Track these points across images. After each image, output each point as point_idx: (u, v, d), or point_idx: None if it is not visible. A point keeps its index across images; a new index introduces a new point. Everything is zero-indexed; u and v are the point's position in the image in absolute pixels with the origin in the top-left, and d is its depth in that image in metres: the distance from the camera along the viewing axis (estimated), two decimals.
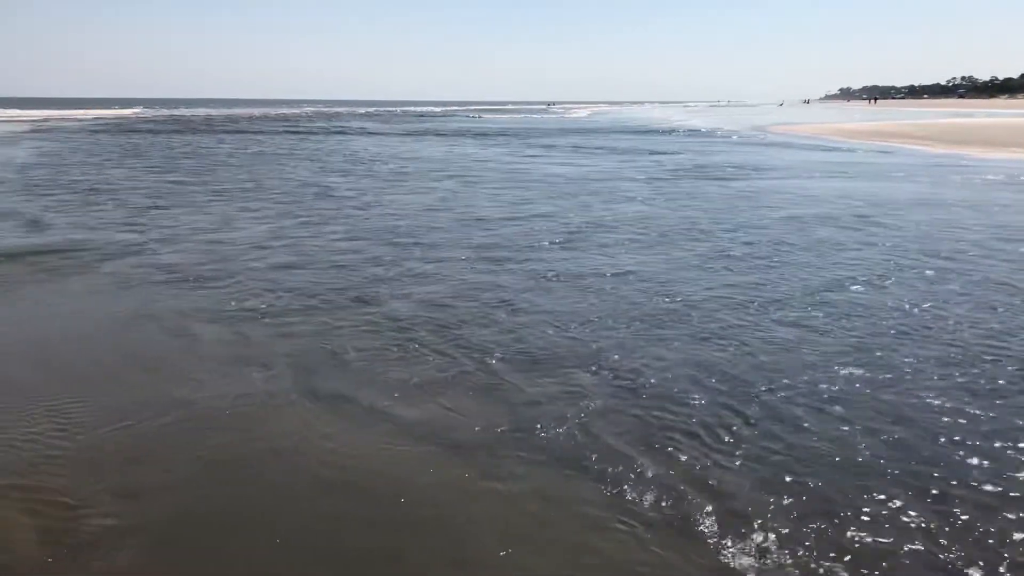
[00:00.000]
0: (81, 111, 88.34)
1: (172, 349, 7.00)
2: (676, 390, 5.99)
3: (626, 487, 4.63)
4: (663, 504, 4.44)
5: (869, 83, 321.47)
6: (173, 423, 5.48)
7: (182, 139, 39.06)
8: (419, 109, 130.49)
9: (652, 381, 6.17)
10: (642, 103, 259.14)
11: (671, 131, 50.86)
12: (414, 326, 7.61)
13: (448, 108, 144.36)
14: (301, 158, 28.00)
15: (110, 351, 6.99)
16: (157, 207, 15.37)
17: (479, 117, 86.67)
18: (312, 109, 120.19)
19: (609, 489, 4.61)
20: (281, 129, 51.12)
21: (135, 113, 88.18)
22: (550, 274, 9.76)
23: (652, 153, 30.54)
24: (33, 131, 45.36)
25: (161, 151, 30.97)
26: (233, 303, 8.44)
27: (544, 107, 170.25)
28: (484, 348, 6.95)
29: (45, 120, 63.14)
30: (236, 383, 6.15)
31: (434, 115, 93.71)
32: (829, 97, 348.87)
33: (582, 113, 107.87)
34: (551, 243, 11.84)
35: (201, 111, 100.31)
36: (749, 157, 28.41)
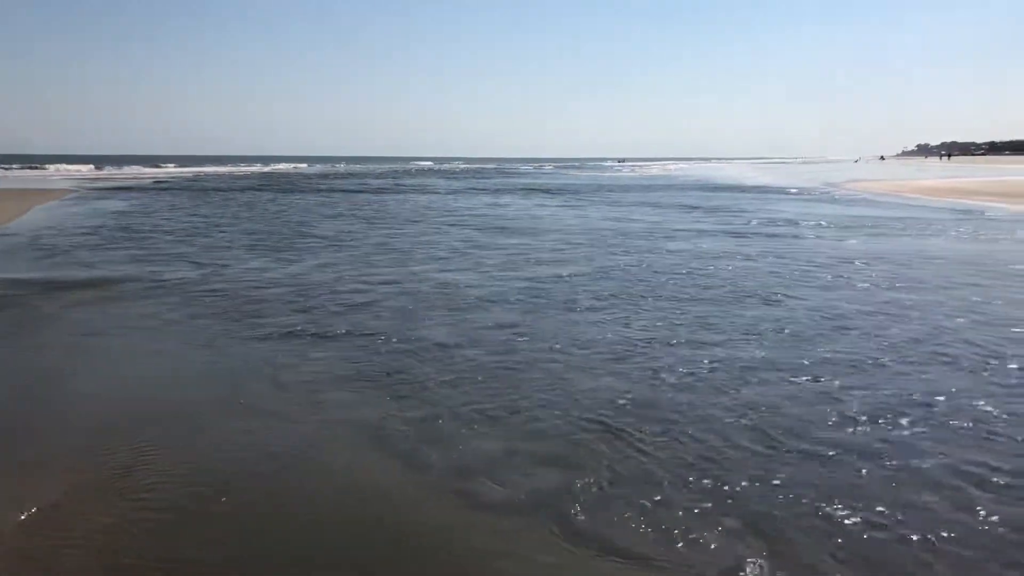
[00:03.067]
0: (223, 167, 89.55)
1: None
2: None
3: None
4: None
5: (948, 139, 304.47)
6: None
7: (263, 195, 37.53)
8: (499, 166, 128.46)
9: None
10: (711, 160, 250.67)
11: (736, 188, 46.42)
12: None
13: (529, 164, 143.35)
14: (333, 208, 29.13)
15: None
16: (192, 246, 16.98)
17: (566, 174, 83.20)
18: (395, 166, 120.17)
19: None
20: (350, 187, 49.31)
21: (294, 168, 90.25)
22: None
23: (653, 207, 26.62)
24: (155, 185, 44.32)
25: (228, 206, 29.80)
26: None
27: (616, 163, 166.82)
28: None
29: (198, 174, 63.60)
30: None
31: (513, 171, 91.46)
32: (906, 153, 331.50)
33: (653, 170, 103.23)
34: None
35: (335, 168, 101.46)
36: (822, 211, 24.20)
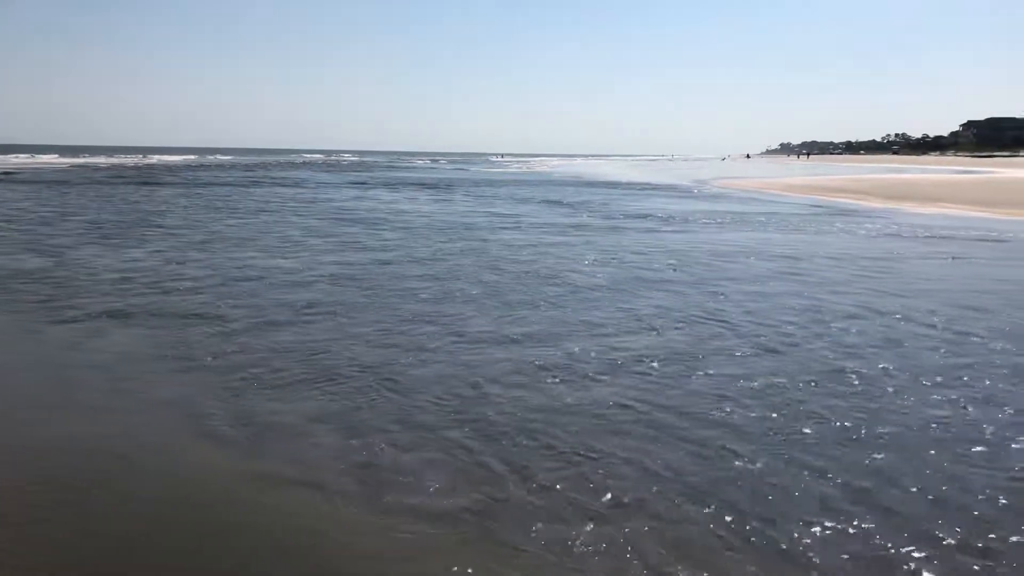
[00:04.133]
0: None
1: None
2: None
3: None
4: None
5: (808, 138, 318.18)
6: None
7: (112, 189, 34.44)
8: (392, 160, 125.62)
9: None
10: (589, 156, 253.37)
11: (609, 184, 46.23)
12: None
13: (426, 158, 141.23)
14: (191, 199, 27.96)
15: None
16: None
17: (458, 169, 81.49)
18: (280, 158, 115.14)
19: None
20: (220, 180, 46.31)
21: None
22: None
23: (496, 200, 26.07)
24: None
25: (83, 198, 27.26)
26: None
27: (499, 158, 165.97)
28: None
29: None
30: None
31: (404, 166, 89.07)
32: (770, 152, 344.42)
33: (541, 167, 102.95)
34: None
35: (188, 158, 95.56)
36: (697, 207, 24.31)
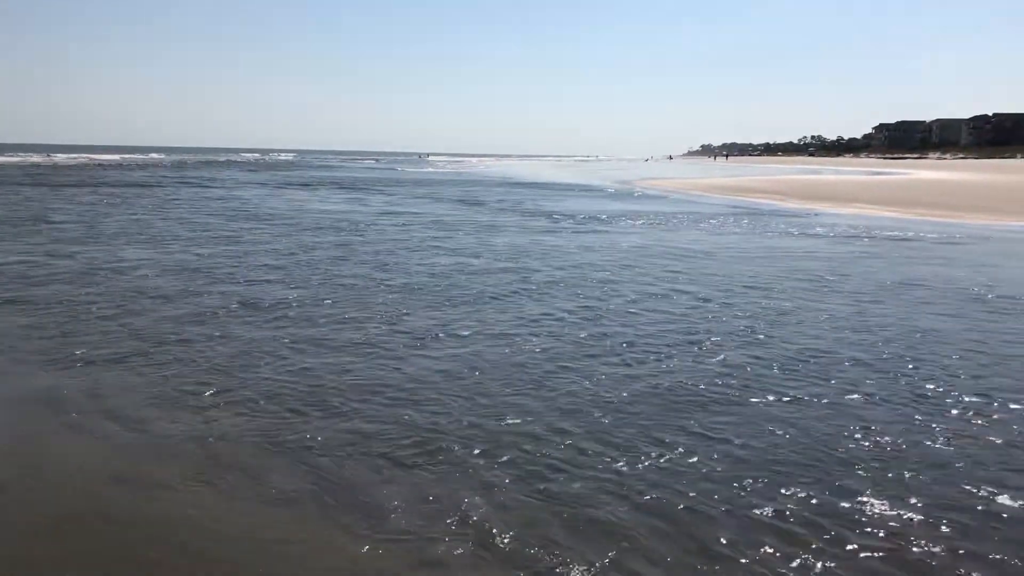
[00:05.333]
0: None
1: None
2: None
3: None
4: None
5: (729, 140, 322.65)
6: None
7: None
8: (324, 160, 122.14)
9: None
10: (522, 156, 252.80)
11: (536, 185, 44.99)
12: None
13: (347, 157, 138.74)
14: (103, 197, 26.84)
15: None
16: None
17: (392, 168, 79.17)
18: (211, 157, 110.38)
19: None
20: (137, 180, 43.18)
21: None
22: None
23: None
24: None
25: None
26: None
27: (417, 157, 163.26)
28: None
29: None
30: None
31: (337, 165, 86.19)
32: (692, 153, 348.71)
33: (479, 167, 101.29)
34: None
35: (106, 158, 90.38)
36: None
